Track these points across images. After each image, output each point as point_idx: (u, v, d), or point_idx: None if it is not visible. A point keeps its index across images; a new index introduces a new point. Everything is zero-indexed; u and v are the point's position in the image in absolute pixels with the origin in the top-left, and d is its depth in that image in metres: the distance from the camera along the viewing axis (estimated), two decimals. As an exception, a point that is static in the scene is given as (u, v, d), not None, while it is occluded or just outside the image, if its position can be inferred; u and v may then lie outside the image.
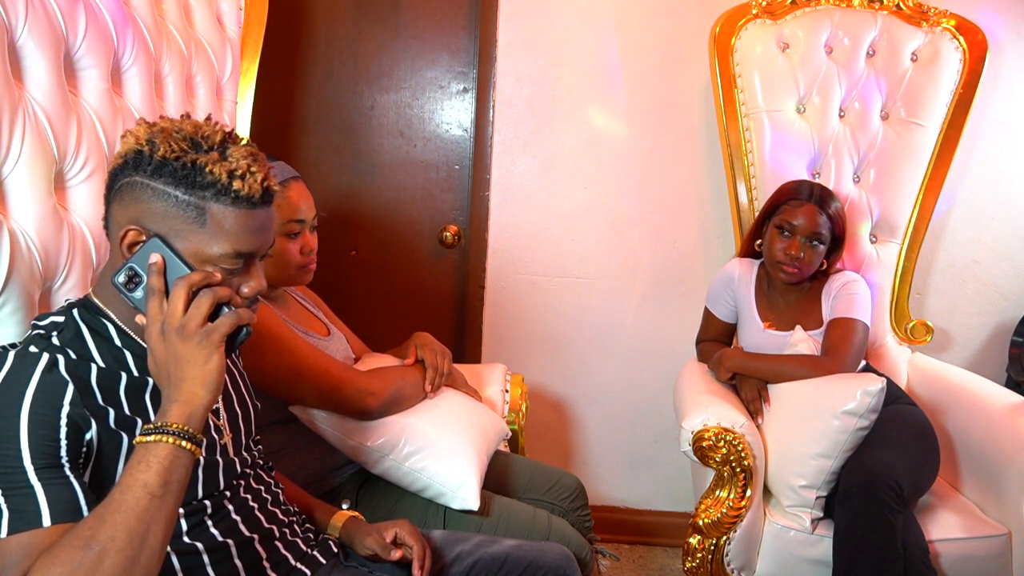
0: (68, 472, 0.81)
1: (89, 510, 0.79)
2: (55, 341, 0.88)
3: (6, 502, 0.77)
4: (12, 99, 0.99)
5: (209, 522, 0.98)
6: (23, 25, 1.02)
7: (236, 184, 0.85)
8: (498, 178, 2.31)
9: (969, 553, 1.62)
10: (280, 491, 1.14)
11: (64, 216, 1.09)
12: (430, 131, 2.34)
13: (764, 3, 2.08)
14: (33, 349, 0.86)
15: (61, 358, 0.85)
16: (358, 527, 1.17)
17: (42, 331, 0.90)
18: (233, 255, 0.87)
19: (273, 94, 2.16)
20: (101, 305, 0.94)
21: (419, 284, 2.42)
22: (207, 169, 0.85)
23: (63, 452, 0.81)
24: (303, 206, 1.39)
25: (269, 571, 1.02)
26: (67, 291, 1.09)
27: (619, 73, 2.25)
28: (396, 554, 1.10)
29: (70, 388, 0.84)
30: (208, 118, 0.93)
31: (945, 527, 1.64)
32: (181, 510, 0.93)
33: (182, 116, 0.91)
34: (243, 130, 1.83)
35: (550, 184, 2.31)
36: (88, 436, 0.84)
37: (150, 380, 0.93)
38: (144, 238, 0.87)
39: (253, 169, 0.87)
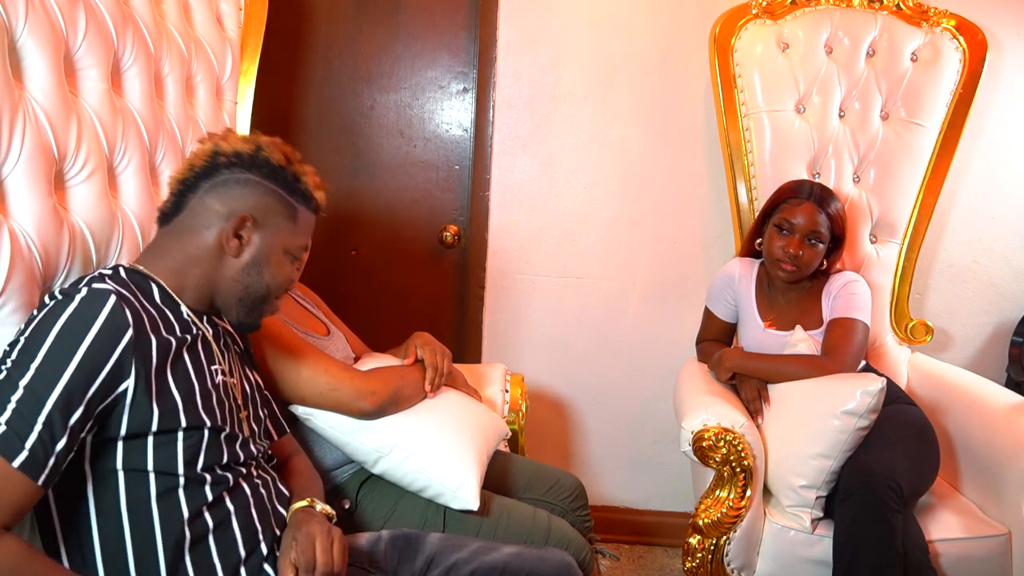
0: (72, 423, 0.85)
1: (47, 482, 0.83)
2: (109, 284, 0.93)
3: (7, 419, 0.81)
4: (12, 99, 1.00)
5: (227, 498, 1.00)
6: (23, 25, 1.02)
7: (317, 194, 1.11)
8: (498, 178, 2.31)
9: (969, 553, 1.62)
10: (284, 488, 1.15)
11: (64, 216, 1.09)
12: (430, 131, 2.34)
13: (764, 3, 2.08)
14: (100, 286, 0.91)
15: (125, 304, 0.91)
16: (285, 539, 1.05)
17: (96, 276, 0.96)
18: (304, 247, 1.12)
19: (273, 94, 2.15)
20: (147, 271, 1.02)
21: (419, 284, 2.42)
22: (304, 180, 1.09)
23: (91, 392, 0.86)
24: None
25: (268, 570, 1.02)
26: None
27: (619, 73, 2.26)
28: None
29: (129, 332, 0.90)
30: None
31: (945, 527, 1.64)
32: (208, 476, 0.98)
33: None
34: (243, 130, 1.83)
35: (550, 184, 2.31)
36: (124, 386, 0.89)
37: (188, 337, 1.01)
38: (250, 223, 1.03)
39: (320, 185, 1.12)
